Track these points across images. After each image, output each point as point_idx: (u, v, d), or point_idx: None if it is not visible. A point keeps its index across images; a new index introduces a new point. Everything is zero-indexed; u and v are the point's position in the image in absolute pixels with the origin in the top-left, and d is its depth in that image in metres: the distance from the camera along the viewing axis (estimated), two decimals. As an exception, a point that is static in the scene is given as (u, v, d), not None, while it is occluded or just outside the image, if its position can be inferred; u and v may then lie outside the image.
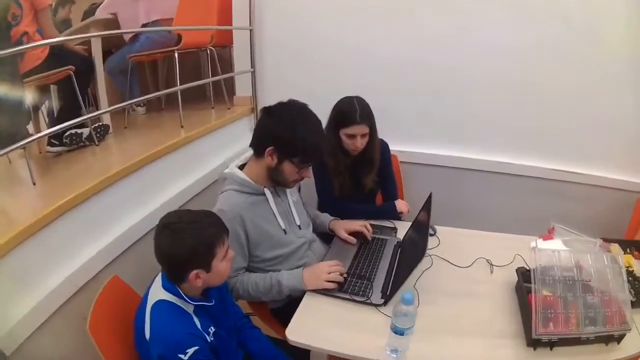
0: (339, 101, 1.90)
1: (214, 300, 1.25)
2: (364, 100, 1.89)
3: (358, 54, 2.48)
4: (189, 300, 1.17)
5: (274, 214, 1.52)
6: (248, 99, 2.86)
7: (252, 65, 2.72)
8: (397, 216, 1.97)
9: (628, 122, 2.50)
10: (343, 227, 1.77)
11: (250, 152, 1.54)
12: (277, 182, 1.52)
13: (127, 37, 2.83)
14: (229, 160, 1.66)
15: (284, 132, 1.38)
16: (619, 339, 1.31)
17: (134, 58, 2.75)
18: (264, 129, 1.44)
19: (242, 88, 2.88)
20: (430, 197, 1.60)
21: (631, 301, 1.37)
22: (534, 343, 1.30)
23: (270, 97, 2.61)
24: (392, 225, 1.92)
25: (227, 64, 3.16)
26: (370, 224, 1.82)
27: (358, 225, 1.76)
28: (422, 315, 1.26)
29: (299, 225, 1.61)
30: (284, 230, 1.53)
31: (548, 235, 1.63)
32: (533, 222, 2.05)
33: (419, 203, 1.70)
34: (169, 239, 1.13)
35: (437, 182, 2.60)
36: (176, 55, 2.52)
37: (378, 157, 1.95)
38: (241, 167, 1.55)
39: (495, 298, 1.50)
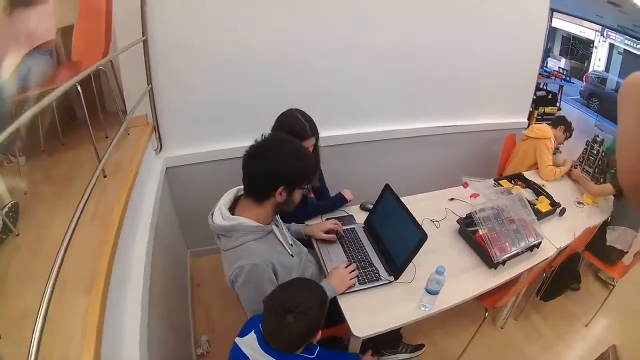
0: (283, 119, 1.99)
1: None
2: (303, 112, 2.04)
3: (261, 52, 2.48)
4: None
5: (283, 245, 1.59)
6: (144, 118, 2.54)
7: (149, 80, 2.34)
8: (345, 203, 2.24)
9: (490, 77, 3.37)
10: (319, 229, 1.92)
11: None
12: (282, 211, 1.58)
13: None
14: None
15: (289, 169, 1.44)
16: (538, 245, 2.05)
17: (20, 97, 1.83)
18: (266, 175, 1.43)
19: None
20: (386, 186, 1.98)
21: (536, 216, 2.07)
22: (494, 265, 1.86)
23: (172, 112, 2.45)
24: (347, 214, 2.19)
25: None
26: (330, 218, 2.06)
27: (330, 224, 1.94)
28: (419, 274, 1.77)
29: (291, 244, 1.68)
30: (291, 255, 1.62)
31: (465, 189, 2.22)
32: (436, 173, 3.30)
33: (336, 185, 2.16)
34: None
35: (348, 160, 3.01)
36: (79, 87, 1.84)
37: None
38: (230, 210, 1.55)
39: (451, 245, 2.05)
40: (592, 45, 9.79)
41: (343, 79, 2.77)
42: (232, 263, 1.40)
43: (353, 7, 2.52)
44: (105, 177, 1.82)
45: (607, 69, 9.93)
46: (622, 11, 7.68)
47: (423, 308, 1.63)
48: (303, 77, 2.62)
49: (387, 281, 1.71)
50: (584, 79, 10.26)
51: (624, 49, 9.19)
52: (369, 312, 1.59)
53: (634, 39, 8.64)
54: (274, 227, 1.53)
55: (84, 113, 1.79)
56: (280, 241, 1.55)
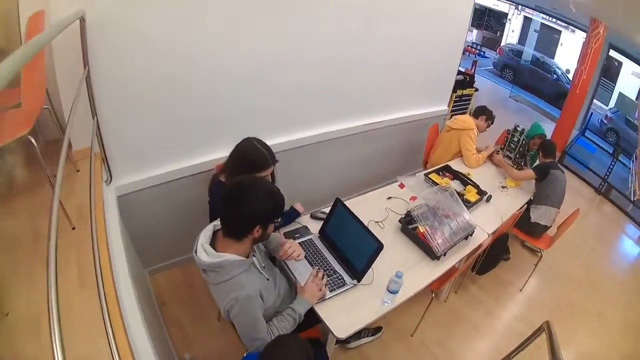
0: (243, 150, 2.25)
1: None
2: (260, 140, 2.31)
3: (201, 71, 2.57)
4: None
5: (261, 272, 1.83)
6: (88, 151, 2.48)
7: (93, 112, 2.32)
8: (299, 216, 2.52)
9: (411, 72, 3.76)
10: (280, 254, 2.09)
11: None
12: (258, 243, 1.82)
13: None
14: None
15: (264, 209, 1.67)
16: (472, 233, 2.45)
17: None
18: (245, 217, 1.65)
19: (78, 139, 2.48)
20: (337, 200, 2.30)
21: (466, 206, 2.48)
22: (437, 257, 2.26)
23: (118, 141, 2.48)
24: (301, 225, 2.46)
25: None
26: (287, 232, 2.36)
27: (286, 251, 2.07)
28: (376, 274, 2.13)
29: (264, 266, 1.89)
30: (267, 278, 1.87)
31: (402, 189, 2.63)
32: (367, 168, 3.84)
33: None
34: None
35: (285, 167, 3.05)
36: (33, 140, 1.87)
37: None
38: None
39: (396, 243, 2.43)
40: (505, 18, 10.40)
41: (276, 92, 2.97)
42: (226, 295, 1.65)
43: (282, 26, 2.73)
44: (73, 229, 1.95)
45: (520, 41, 10.61)
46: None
47: (386, 304, 2.00)
48: (240, 92, 2.79)
49: (352, 285, 2.06)
50: (497, 51, 10.93)
51: (541, 24, 9.85)
52: (343, 315, 1.93)
53: (550, 17, 9.33)
54: (254, 259, 1.80)
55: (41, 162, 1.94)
56: (259, 269, 1.82)
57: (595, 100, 9.16)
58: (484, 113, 3.72)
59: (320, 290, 1.95)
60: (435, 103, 4.35)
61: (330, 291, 2.01)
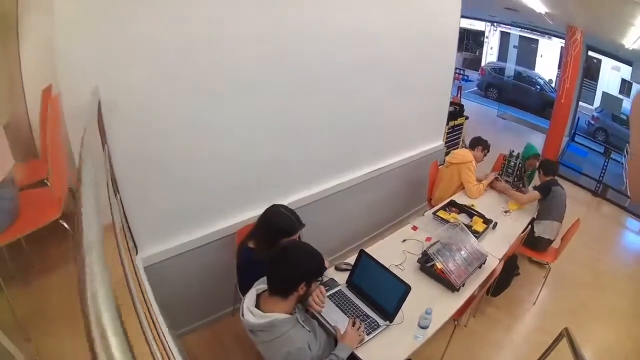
0: (271, 217, 2.53)
1: None
2: (286, 206, 2.60)
3: (217, 133, 2.74)
4: None
5: (303, 326, 2.05)
6: (111, 227, 2.63)
7: (115, 189, 2.38)
8: (326, 270, 2.72)
9: (405, 117, 4.06)
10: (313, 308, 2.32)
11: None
12: (302, 301, 2.08)
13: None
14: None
15: (307, 269, 1.96)
16: (484, 261, 2.71)
17: None
18: (291, 276, 1.92)
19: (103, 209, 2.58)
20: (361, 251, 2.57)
21: (475, 237, 2.81)
22: (457, 289, 2.52)
23: (141, 214, 2.54)
24: (328, 277, 2.67)
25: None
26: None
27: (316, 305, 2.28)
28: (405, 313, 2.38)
29: (304, 320, 2.12)
30: (309, 331, 2.09)
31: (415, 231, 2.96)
32: (376, 211, 4.07)
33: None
34: None
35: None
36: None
37: None
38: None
39: (418, 281, 2.66)
40: (483, 36, 10.79)
41: (283, 155, 3.18)
42: (278, 351, 1.87)
43: (280, 87, 2.93)
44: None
45: (500, 57, 10.98)
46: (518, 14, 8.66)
47: (418, 338, 2.26)
48: (255, 157, 3.00)
49: (385, 325, 2.32)
50: (479, 72, 11.29)
51: (519, 37, 10.21)
52: (381, 354, 2.18)
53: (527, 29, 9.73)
54: (297, 315, 2.05)
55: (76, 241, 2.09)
56: (301, 324, 2.06)
57: (580, 102, 9.51)
58: (479, 144, 4.02)
59: (359, 335, 2.19)
60: (432, 140, 4.67)
61: (367, 335, 2.25)
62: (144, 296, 2.19)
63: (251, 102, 2.81)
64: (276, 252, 1.98)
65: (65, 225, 2.08)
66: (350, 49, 3.25)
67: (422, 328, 2.25)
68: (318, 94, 3.19)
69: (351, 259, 2.65)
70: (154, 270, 2.71)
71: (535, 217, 3.70)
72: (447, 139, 5.90)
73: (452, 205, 3.59)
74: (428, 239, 3.00)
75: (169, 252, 2.77)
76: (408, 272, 2.75)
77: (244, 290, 2.53)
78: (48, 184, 2.53)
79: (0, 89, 2.97)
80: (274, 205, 2.62)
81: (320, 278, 2.10)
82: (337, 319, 2.35)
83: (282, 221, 2.51)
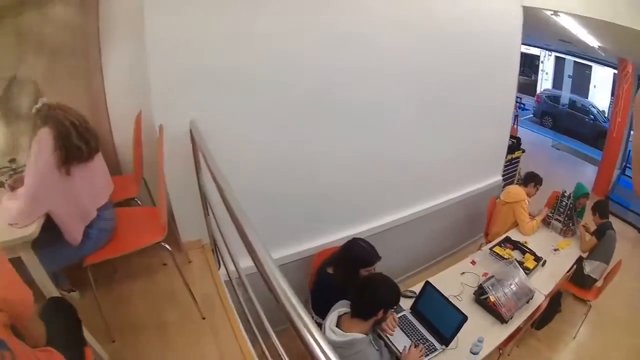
0: (353, 249, 2.93)
1: None
2: (365, 240, 2.99)
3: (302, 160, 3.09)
4: None
5: (374, 345, 2.39)
6: (199, 242, 2.97)
7: (206, 210, 2.64)
8: None
9: (470, 150, 4.26)
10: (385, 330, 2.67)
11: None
12: (378, 323, 2.42)
13: (70, 237, 2.03)
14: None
15: (389, 298, 2.32)
16: (532, 297, 3.02)
17: (90, 259, 2.10)
18: (375, 303, 2.28)
19: (188, 230, 2.88)
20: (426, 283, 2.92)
21: (526, 273, 3.12)
22: (506, 321, 2.83)
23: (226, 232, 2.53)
24: None
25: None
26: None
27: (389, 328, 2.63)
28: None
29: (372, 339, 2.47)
30: (377, 350, 2.42)
31: (473, 265, 3.21)
32: (435, 243, 4.34)
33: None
34: None
35: None
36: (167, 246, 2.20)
37: None
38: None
39: (472, 312, 2.95)
40: (537, 60, 10.81)
41: (352, 186, 3.49)
42: None
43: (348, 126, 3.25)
44: (204, 318, 2.38)
45: (555, 84, 10.93)
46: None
47: (469, 366, 2.60)
48: (333, 189, 3.35)
49: (442, 349, 2.66)
50: (535, 99, 11.31)
51: (573, 62, 10.14)
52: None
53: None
54: (370, 335, 2.40)
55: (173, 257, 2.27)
56: (373, 344, 2.40)
57: (631, 132, 9.43)
58: (533, 180, 4.26)
59: (420, 356, 2.52)
60: (490, 174, 4.90)
61: (425, 356, 2.59)
62: (224, 306, 2.49)
63: (329, 135, 3.17)
64: (363, 282, 2.40)
65: (167, 247, 2.20)
66: (413, 83, 3.53)
67: (473, 354, 2.59)
68: (386, 130, 3.50)
69: (415, 287, 3.02)
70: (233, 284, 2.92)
71: (584, 256, 3.93)
72: (503, 172, 6.01)
73: (507, 242, 3.87)
74: (485, 274, 3.30)
75: (248, 269, 3.01)
76: (464, 303, 3.05)
77: (317, 309, 2.97)
78: (139, 202, 2.78)
79: (84, 107, 2.93)
80: (355, 239, 3.03)
81: (395, 307, 2.45)
82: (401, 341, 2.70)
83: (363, 254, 2.90)
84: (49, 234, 1.90)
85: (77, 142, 1.89)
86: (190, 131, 2.41)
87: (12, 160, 2.52)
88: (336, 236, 3.47)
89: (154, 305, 2.49)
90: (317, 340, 0.83)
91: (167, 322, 2.37)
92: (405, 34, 3.31)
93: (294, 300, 0.95)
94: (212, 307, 2.46)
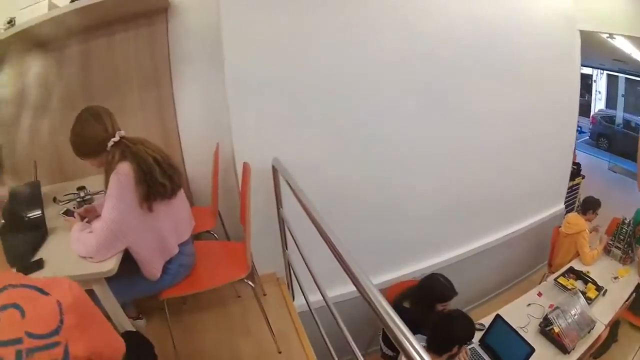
0: (431, 285, 3.10)
1: None
2: (443, 275, 3.18)
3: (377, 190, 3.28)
4: None
5: None
6: (273, 275, 3.11)
7: (284, 245, 2.82)
8: None
9: (525, 184, 4.34)
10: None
11: None
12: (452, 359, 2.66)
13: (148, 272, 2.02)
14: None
15: (465, 335, 2.54)
16: (593, 328, 3.20)
17: (167, 294, 2.11)
18: (451, 339, 2.47)
19: (264, 263, 2.97)
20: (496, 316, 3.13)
21: (588, 303, 3.26)
22: (568, 352, 3.00)
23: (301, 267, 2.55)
24: None
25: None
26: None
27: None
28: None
29: None
30: None
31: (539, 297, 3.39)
32: (500, 274, 4.33)
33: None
34: None
35: None
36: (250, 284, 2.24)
37: None
38: None
39: (537, 341, 3.14)
40: (590, 79, 10.62)
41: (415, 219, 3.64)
42: None
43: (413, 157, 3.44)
44: (280, 352, 2.42)
45: (608, 103, 10.68)
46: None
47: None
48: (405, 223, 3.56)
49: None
50: (590, 120, 11.06)
51: (625, 83, 9.91)
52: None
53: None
54: None
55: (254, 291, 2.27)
56: None
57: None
58: (591, 207, 4.34)
59: None
60: (553, 203, 4.91)
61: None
62: (300, 340, 2.56)
63: (408, 170, 3.40)
64: (441, 319, 2.62)
65: (251, 283, 2.24)
66: (482, 114, 3.69)
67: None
68: (462, 162, 3.69)
69: (484, 319, 3.24)
70: (305, 315, 2.84)
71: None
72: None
73: (571, 272, 4.01)
74: (551, 305, 3.47)
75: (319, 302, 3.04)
76: (530, 334, 3.23)
77: (387, 340, 3.16)
78: (215, 235, 2.88)
79: (156, 138, 2.98)
80: (434, 274, 3.24)
81: (469, 342, 2.63)
82: None
83: (441, 289, 3.09)
84: (125, 266, 1.86)
85: (160, 179, 1.87)
86: (273, 167, 2.55)
87: (81, 188, 2.57)
88: (403, 271, 3.67)
89: (226, 337, 2.54)
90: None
91: (241, 354, 2.43)
92: (471, 72, 3.48)
93: (399, 322, 1.07)
94: (288, 340, 2.52)
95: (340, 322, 1.98)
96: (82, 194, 2.54)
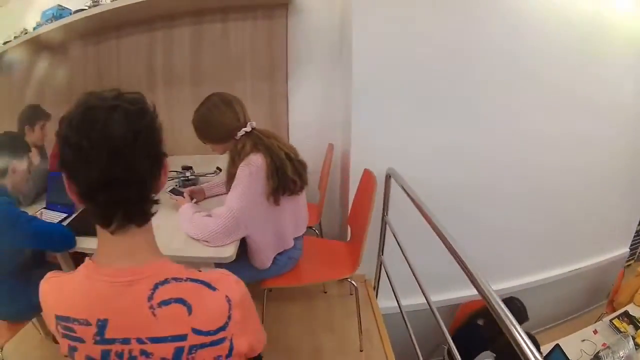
0: (507, 306, 3.17)
1: None
2: (519, 299, 3.33)
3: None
4: None
5: None
6: (361, 277, 3.13)
7: (381, 250, 2.89)
8: None
9: (591, 222, 4.09)
10: None
11: None
12: None
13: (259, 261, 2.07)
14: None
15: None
16: None
17: (270, 283, 2.18)
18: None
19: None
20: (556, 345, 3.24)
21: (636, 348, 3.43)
22: None
23: (392, 273, 2.78)
24: None
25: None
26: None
27: None
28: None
29: None
30: None
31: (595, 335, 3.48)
32: (557, 308, 4.21)
33: None
34: None
35: None
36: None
37: None
38: None
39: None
40: None
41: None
42: None
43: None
44: (361, 351, 2.48)
45: None
46: None
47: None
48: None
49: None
50: None
51: None
52: None
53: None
54: None
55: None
56: None
57: None
58: None
59: None
60: (616, 246, 4.70)
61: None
62: (382, 341, 2.63)
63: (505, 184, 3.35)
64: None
65: (354, 283, 2.36)
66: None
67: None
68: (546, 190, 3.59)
69: (542, 348, 3.35)
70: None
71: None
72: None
73: (626, 316, 4.05)
74: (604, 344, 3.59)
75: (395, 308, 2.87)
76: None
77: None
78: (317, 231, 3.07)
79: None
80: (512, 297, 3.37)
81: None
82: None
83: (516, 313, 3.12)
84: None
85: (291, 175, 1.88)
86: (387, 174, 2.59)
87: (187, 168, 2.64)
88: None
89: (309, 331, 2.59)
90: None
91: (322, 348, 2.48)
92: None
93: (518, 327, 1.14)
94: (371, 340, 2.57)
95: (442, 323, 2.16)
96: (187, 174, 2.58)
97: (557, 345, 3.26)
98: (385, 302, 2.97)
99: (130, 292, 0.81)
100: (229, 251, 1.75)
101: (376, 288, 3.11)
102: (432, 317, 3.08)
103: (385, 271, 2.85)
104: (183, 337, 0.81)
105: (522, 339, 1.08)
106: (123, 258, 0.84)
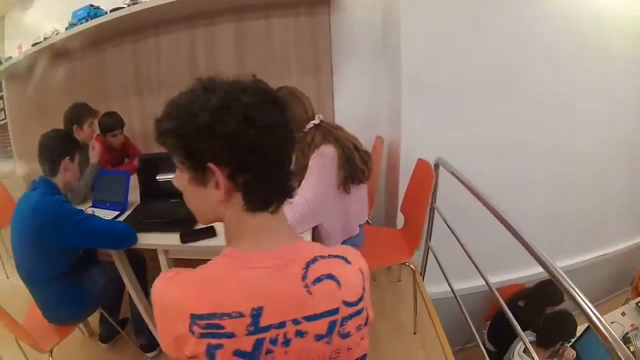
0: (547, 288, 3.30)
1: None
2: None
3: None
4: None
5: None
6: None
7: (428, 237, 2.98)
8: None
9: (611, 207, 4.09)
10: None
11: None
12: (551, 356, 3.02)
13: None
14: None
15: (571, 333, 2.99)
16: None
17: None
18: (558, 334, 2.93)
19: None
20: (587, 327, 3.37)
21: None
22: None
23: (441, 259, 2.85)
24: None
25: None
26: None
27: None
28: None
29: None
30: None
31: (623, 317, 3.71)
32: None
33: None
34: None
35: None
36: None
37: None
38: None
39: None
40: None
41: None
42: None
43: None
44: (415, 333, 2.63)
45: None
46: None
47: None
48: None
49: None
50: None
51: None
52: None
53: None
54: None
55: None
56: None
57: None
58: None
59: None
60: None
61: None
62: (434, 324, 2.75)
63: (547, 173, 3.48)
64: (554, 316, 3.02)
65: (412, 267, 2.51)
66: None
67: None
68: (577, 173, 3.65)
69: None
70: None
71: None
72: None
73: None
74: (632, 325, 3.76)
75: (443, 293, 2.96)
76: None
77: (492, 335, 3.43)
78: (369, 221, 3.16)
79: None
80: (550, 280, 3.33)
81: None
82: None
83: (555, 295, 3.35)
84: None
85: (359, 164, 1.95)
86: (436, 163, 2.66)
87: None
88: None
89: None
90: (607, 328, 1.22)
91: (378, 333, 2.60)
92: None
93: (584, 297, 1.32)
94: (422, 323, 2.68)
95: (500, 298, 2.22)
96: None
97: (589, 327, 3.35)
98: (430, 288, 3.10)
99: (286, 275, 0.83)
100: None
101: (423, 274, 3.21)
102: (477, 299, 3.36)
103: (435, 257, 2.93)
104: (335, 311, 0.84)
105: (585, 303, 1.32)
106: (275, 239, 0.88)
